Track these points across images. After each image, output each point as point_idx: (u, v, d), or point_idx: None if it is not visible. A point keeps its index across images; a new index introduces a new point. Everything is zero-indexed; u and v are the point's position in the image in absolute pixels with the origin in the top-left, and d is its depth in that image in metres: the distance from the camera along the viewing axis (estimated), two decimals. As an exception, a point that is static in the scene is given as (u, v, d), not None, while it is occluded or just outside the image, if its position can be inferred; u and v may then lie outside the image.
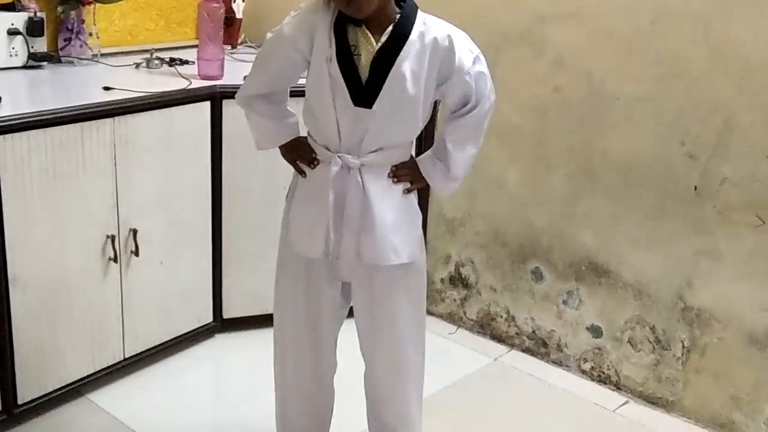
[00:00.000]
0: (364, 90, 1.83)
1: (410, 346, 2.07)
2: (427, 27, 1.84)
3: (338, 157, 1.88)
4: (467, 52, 1.87)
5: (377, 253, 1.93)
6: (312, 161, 1.96)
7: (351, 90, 1.82)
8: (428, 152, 2.02)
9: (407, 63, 1.81)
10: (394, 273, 1.98)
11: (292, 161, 2.02)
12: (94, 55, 2.96)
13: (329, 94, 1.84)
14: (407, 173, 1.97)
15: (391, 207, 1.93)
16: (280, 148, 2.05)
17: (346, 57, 1.82)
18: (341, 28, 1.83)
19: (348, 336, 2.14)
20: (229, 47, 3.28)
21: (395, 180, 1.94)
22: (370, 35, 1.83)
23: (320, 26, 1.84)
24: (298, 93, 2.02)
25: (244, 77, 1.97)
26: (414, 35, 1.82)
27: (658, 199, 2.60)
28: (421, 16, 1.85)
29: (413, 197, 2.01)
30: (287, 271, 2.08)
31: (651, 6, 2.51)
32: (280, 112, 2.03)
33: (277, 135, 2.03)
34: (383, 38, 1.82)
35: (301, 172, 2.00)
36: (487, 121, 1.96)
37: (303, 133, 2.04)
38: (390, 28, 1.82)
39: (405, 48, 1.81)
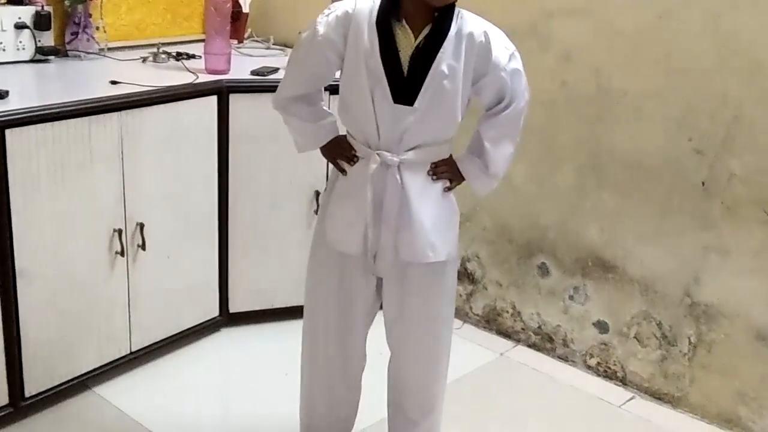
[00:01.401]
0: (404, 86, 1.81)
1: (441, 341, 2.07)
2: (464, 22, 1.82)
3: (377, 154, 1.87)
4: (503, 49, 1.86)
5: (415, 250, 1.92)
6: (352, 158, 1.94)
7: (392, 86, 1.80)
8: (465, 151, 2.00)
9: (446, 60, 1.79)
10: (430, 269, 1.97)
11: (332, 159, 2.00)
12: (101, 49, 2.96)
13: (367, 91, 1.82)
14: (446, 170, 1.95)
15: (429, 204, 1.92)
16: (320, 148, 2.04)
17: (390, 52, 1.80)
18: (384, 22, 1.80)
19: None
20: (235, 42, 3.27)
21: (434, 177, 1.93)
22: (409, 31, 1.81)
23: (357, 21, 1.82)
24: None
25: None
26: (452, 32, 1.80)
27: (666, 194, 2.59)
28: (457, 10, 1.83)
29: (452, 195, 1.99)
30: (321, 266, 2.06)
31: (658, 0, 2.50)
32: (318, 114, 2.01)
33: (318, 137, 2.02)
34: (422, 34, 1.81)
35: (342, 170, 1.97)
36: (522, 118, 1.94)
37: (341, 130, 2.02)
38: (429, 24, 1.80)
39: (444, 45, 1.79)
